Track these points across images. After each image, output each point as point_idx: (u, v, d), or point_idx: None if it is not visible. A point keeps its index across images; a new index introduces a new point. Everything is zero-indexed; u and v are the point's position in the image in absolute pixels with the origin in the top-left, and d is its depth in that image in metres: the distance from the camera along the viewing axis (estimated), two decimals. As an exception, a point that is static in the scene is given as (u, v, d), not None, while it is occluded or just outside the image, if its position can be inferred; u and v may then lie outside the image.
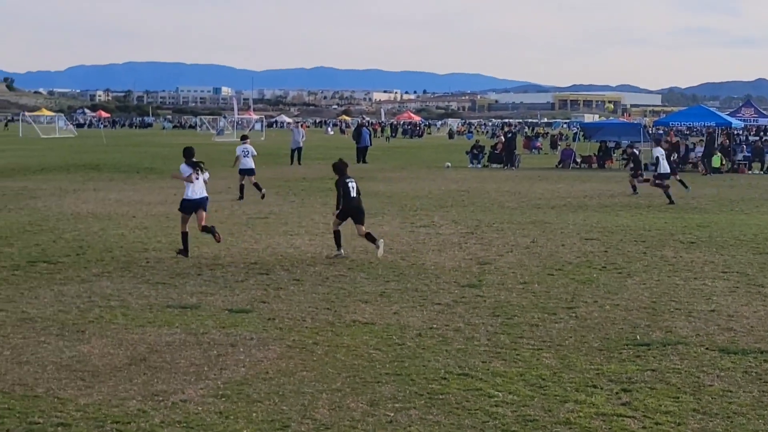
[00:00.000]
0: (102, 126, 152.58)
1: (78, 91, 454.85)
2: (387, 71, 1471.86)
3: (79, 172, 41.28)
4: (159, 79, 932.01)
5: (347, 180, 18.17)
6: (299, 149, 51.14)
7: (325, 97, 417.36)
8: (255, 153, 31.03)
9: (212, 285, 14.95)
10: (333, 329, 12.00)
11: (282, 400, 9.03)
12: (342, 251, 18.08)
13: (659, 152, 30.77)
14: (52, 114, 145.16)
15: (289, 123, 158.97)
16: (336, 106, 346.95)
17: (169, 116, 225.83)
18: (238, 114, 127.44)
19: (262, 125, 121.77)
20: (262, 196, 29.33)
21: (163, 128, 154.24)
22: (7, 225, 22.16)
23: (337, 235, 18.24)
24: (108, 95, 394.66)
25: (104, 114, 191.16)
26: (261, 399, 9.05)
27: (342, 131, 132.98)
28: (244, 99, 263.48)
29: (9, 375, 9.75)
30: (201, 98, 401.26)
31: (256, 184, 29.93)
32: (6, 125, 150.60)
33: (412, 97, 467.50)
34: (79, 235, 20.56)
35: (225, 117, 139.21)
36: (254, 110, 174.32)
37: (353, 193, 18.12)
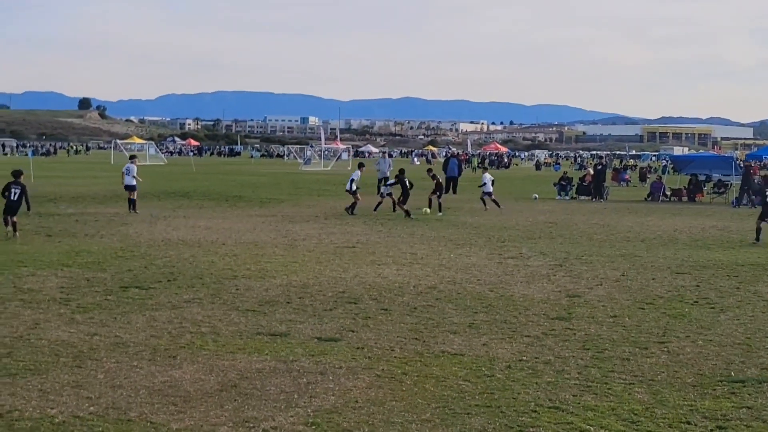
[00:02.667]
0: (191, 154, 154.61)
1: (168, 119, 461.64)
2: (474, 102, 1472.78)
3: (170, 200, 41.82)
4: (247, 108, 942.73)
5: (12, 186, 25.33)
6: (386, 179, 51.22)
7: (411, 128, 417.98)
8: (135, 173, 35.23)
9: (301, 313, 15.02)
10: (422, 359, 11.98)
11: (372, 429, 9.02)
12: (16, 235, 24.77)
13: None
14: (143, 142, 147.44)
15: (375, 153, 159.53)
16: (422, 137, 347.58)
17: (257, 145, 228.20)
18: (325, 143, 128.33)
19: (349, 155, 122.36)
20: (132, 209, 34.09)
21: (251, 157, 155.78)
22: (100, 251, 22.51)
23: (6, 223, 25.14)
24: (197, 124, 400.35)
25: (193, 142, 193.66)
26: (351, 428, 9.05)
27: (428, 161, 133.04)
28: (331, 129, 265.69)
29: (103, 398, 9.88)
30: (288, 128, 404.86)
31: (134, 201, 34.46)
32: (77, 151, 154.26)
33: (499, 127, 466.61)
34: (170, 262, 20.80)
35: (312, 146, 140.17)
36: (341, 140, 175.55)
37: (13, 197, 25.15)
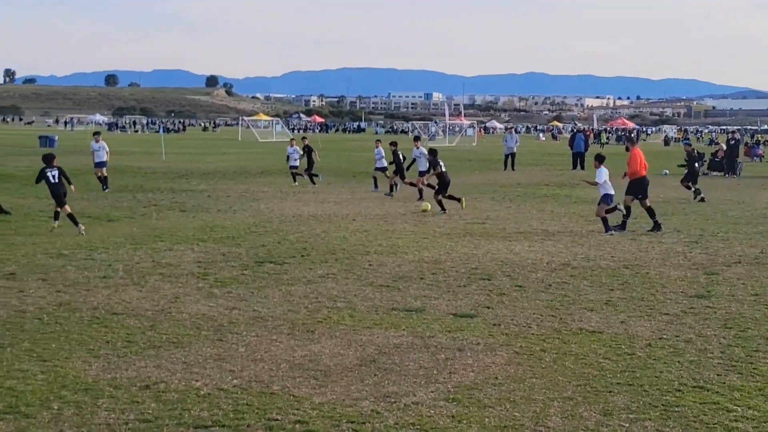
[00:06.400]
0: (317, 130, 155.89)
1: (293, 96, 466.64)
2: (600, 77, 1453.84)
3: (298, 176, 42.20)
4: (371, 84, 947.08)
5: (47, 170, 21.98)
6: (513, 155, 50.96)
7: (536, 103, 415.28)
8: (107, 149, 34.46)
9: (435, 289, 15.01)
10: (560, 336, 11.86)
11: (513, 406, 8.96)
12: (81, 229, 21.21)
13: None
14: (269, 119, 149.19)
15: (499, 128, 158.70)
16: (547, 112, 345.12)
17: (381, 121, 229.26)
18: (449, 119, 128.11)
19: (473, 131, 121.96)
20: (105, 188, 32.90)
21: (376, 133, 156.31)
22: (234, 226, 22.85)
23: (66, 217, 21.56)
24: (322, 100, 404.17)
25: (318, 119, 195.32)
26: (492, 404, 9.01)
27: (554, 137, 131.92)
28: (455, 104, 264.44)
29: (245, 372, 10.02)
30: (412, 104, 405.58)
31: (105, 178, 33.45)
32: (204, 128, 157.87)
33: (626, 102, 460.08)
34: (303, 237, 21.01)
35: (436, 122, 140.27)
36: (465, 116, 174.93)
37: (53, 180, 21.86)
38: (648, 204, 23.57)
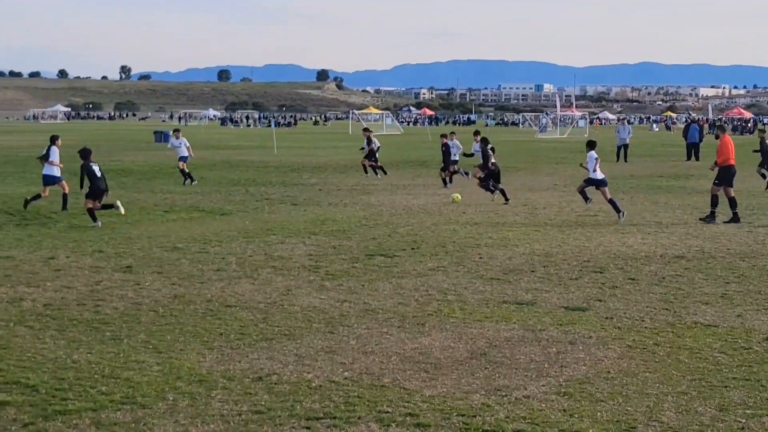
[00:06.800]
0: (427, 123, 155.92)
1: (403, 89, 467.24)
2: (715, 65, 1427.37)
3: (408, 169, 42.37)
4: (481, 76, 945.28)
5: (91, 164, 21.75)
6: (625, 146, 50.32)
7: (649, 93, 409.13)
8: (188, 144, 35.00)
9: (546, 282, 14.90)
10: (673, 330, 11.68)
11: (626, 400, 8.85)
12: (99, 223, 21.33)
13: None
14: (380, 112, 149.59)
15: (612, 119, 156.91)
16: (660, 102, 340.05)
17: (491, 113, 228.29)
18: (560, 111, 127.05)
19: (585, 122, 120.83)
20: (192, 182, 33.51)
21: (486, 125, 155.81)
22: (345, 219, 22.99)
23: (91, 212, 21.48)
24: (432, 93, 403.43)
25: (428, 111, 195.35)
26: (605, 399, 8.91)
27: (668, 128, 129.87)
28: (566, 96, 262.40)
29: (356, 364, 10.08)
30: (523, 95, 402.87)
31: (185, 171, 33.97)
32: (315, 122, 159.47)
33: (742, 92, 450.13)
34: (413, 230, 21.03)
35: (547, 114, 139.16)
36: (576, 107, 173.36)
37: (98, 174, 21.71)
38: (732, 194, 23.26)
